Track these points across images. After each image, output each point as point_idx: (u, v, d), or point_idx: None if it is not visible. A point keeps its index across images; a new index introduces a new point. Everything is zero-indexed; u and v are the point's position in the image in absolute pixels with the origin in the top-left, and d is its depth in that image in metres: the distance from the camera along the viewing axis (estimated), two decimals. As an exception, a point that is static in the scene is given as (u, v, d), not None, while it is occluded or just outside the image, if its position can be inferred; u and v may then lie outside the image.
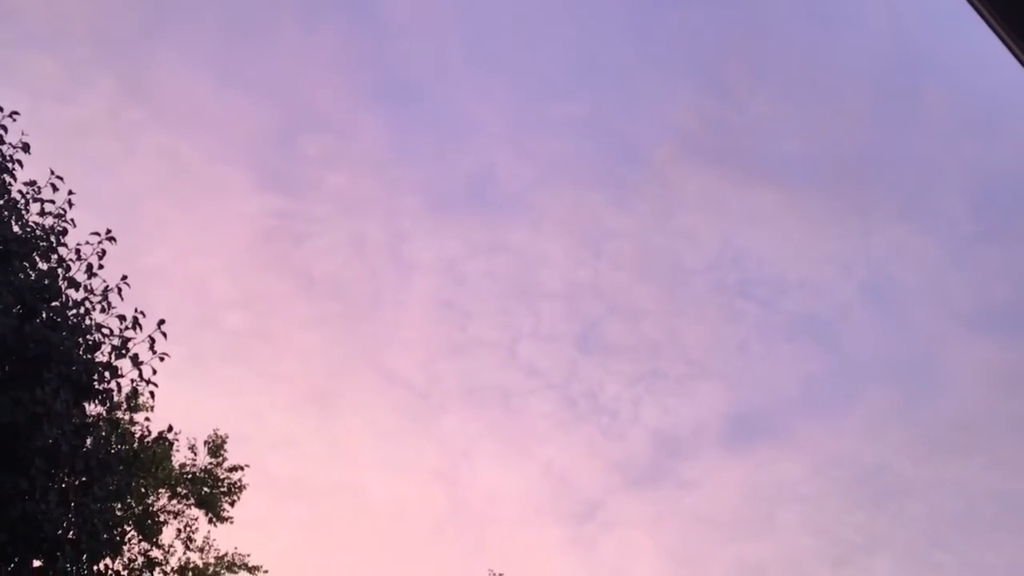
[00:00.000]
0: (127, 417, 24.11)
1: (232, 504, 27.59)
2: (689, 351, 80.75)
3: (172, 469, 26.43)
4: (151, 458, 21.83)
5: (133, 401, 24.69)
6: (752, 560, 67.92)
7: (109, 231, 12.80)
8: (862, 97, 78.14)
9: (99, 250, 12.72)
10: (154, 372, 11.97)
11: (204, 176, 67.49)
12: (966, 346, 72.68)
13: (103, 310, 12.23)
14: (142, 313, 12.43)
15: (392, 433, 75.12)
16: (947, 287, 75.45)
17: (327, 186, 78.98)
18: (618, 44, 77.32)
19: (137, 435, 24.43)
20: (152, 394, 11.83)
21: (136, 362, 11.93)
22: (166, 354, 12.07)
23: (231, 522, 27.63)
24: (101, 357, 11.91)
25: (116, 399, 11.88)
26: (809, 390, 77.35)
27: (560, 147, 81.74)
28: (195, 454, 27.25)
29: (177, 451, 27.06)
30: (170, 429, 12.57)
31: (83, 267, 12.51)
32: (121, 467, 11.52)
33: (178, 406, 28.21)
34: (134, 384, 11.92)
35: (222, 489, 27.30)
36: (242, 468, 27.73)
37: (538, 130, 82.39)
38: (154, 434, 24.50)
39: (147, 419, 13.55)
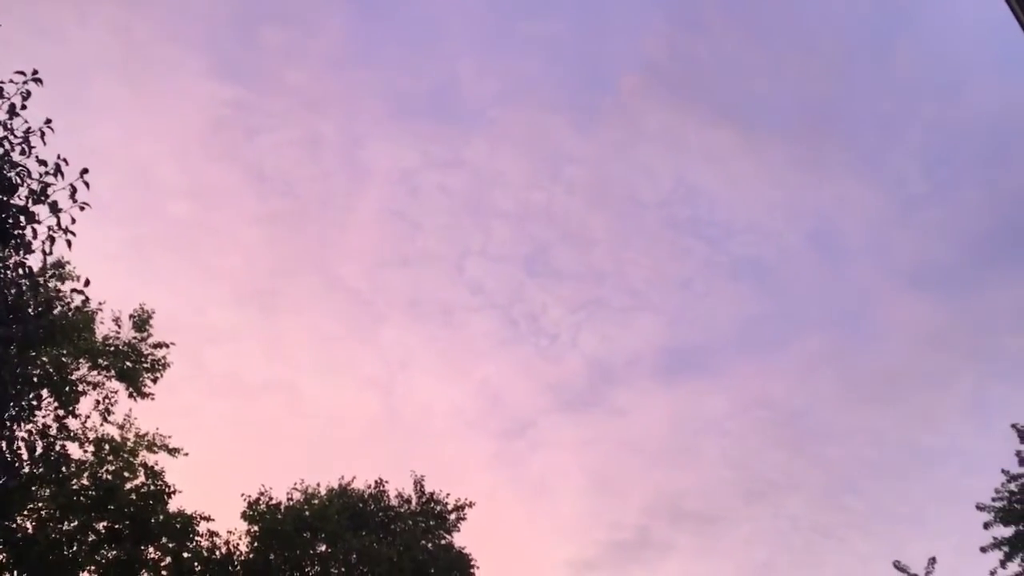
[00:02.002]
0: (53, 285, 23.52)
1: (155, 381, 27.31)
2: (634, 283, 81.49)
3: (94, 341, 25.95)
4: (72, 323, 21.37)
5: (58, 270, 24.05)
6: (672, 489, 69.99)
7: (36, 72, 12.11)
8: (834, 49, 77.80)
9: (23, 90, 12.06)
10: (73, 221, 11.51)
11: (157, 57, 64.67)
12: (902, 303, 74.60)
13: (23, 152, 11.65)
14: (65, 160, 11.87)
15: (331, 337, 74.71)
16: (891, 243, 76.94)
17: (285, 81, 76.27)
18: (596, -34, 75.55)
19: (60, 304, 23.91)
20: (69, 243, 11.36)
21: (55, 209, 11.43)
22: (87, 204, 11.58)
23: (152, 398, 27.40)
24: (18, 201, 11.38)
25: (32, 246, 11.40)
26: (745, 331, 78.91)
27: (527, 66, 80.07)
28: (119, 327, 26.76)
29: (101, 323, 26.57)
30: (87, 283, 12.07)
31: (4, 106, 11.86)
32: (33, 314, 11.11)
33: (116, 292, 27.63)
34: (51, 232, 11.44)
35: (145, 365, 26.94)
36: (167, 345, 27.38)
37: (506, 47, 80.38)
38: (76, 302, 24.02)
39: (75, 290, 12.88)
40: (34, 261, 11.36)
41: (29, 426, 21.40)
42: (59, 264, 23.42)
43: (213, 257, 69.41)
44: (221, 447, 48.47)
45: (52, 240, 11.46)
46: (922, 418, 66.09)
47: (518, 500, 64.44)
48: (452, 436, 65.24)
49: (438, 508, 32.48)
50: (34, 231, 11.47)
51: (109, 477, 26.97)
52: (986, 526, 27.87)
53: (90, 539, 27.13)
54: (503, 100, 78.87)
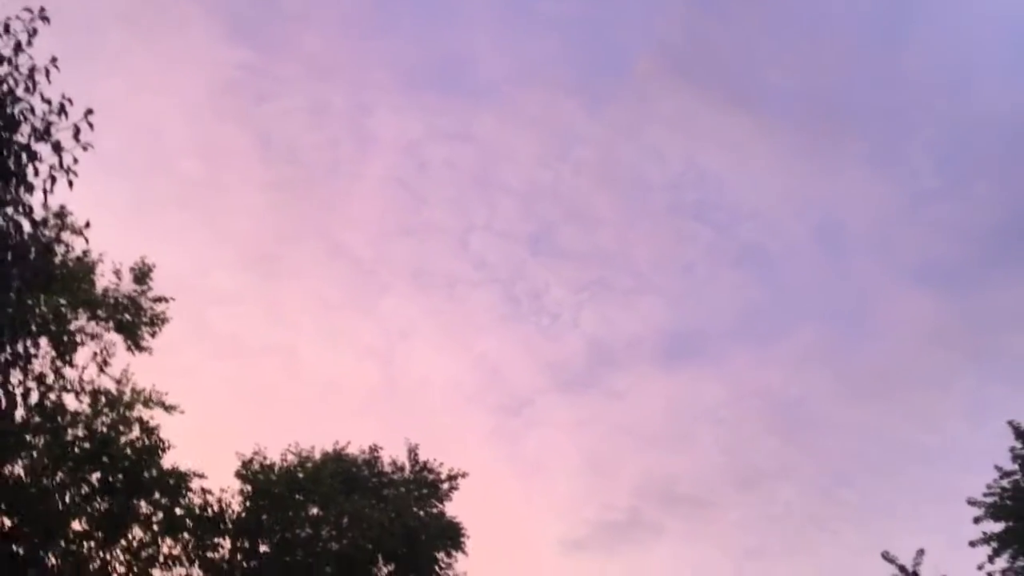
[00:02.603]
0: (54, 235, 23.41)
1: (153, 335, 27.28)
2: (637, 265, 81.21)
3: (93, 292, 25.88)
4: (72, 272, 21.30)
5: (60, 219, 23.93)
6: (664, 472, 70.07)
7: (43, 9, 11.94)
8: (850, 39, 77.10)
9: (30, 27, 11.88)
10: (76, 162, 11.37)
11: (172, 13, 64.24)
12: (904, 299, 74.32)
13: (27, 90, 11.49)
14: (69, 100, 11.70)
15: (333, 305, 74.67)
16: (897, 238, 76.53)
17: (298, 46, 75.76)
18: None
19: (61, 252, 23.81)
20: (71, 183, 11.24)
21: (57, 148, 11.29)
22: (90, 144, 11.44)
23: (150, 353, 27.39)
24: (20, 139, 11.24)
25: (33, 186, 11.28)
26: (746, 319, 78.76)
27: (542, 44, 79.45)
28: (119, 279, 26.68)
29: (101, 275, 26.49)
30: (87, 225, 11.97)
31: (10, 42, 11.68)
32: (33, 256, 11.02)
33: (119, 248, 27.52)
34: (52, 172, 11.31)
35: (144, 319, 26.89)
36: (167, 300, 27.32)
37: (521, 23, 79.69)
38: (77, 250, 23.94)
39: (76, 231, 12.74)
40: (35, 204, 11.22)
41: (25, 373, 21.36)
42: (61, 213, 23.30)
43: (219, 218, 69.44)
44: (218, 408, 48.60)
45: (53, 180, 11.34)
46: (919, 415, 66.10)
47: (511, 476, 64.70)
48: (449, 409, 65.39)
49: (431, 477, 32.55)
50: (35, 170, 11.34)
51: (104, 430, 26.98)
52: (976, 521, 27.95)
53: (83, 490, 27.19)
54: (515, 76, 78.45)
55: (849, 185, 74.50)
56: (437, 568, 31.14)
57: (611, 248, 78.36)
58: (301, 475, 30.64)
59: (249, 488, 30.40)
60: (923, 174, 73.79)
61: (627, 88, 75.51)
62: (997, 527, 27.72)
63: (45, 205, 11.07)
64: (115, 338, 26.69)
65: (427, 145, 74.77)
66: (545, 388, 74.33)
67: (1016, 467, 28.16)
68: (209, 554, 29.59)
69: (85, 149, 11.43)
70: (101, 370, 26.47)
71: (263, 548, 30.30)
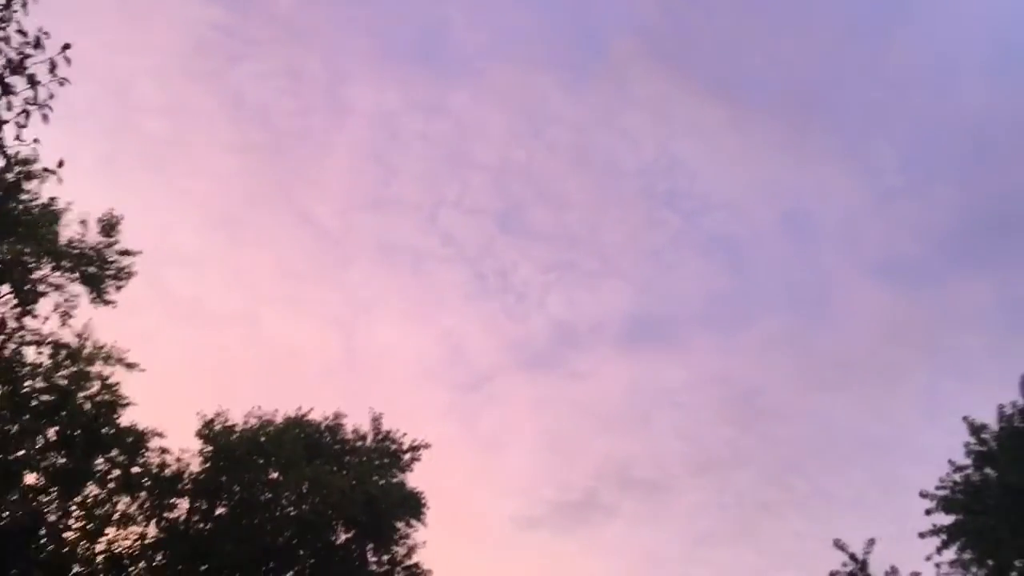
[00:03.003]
0: (22, 176, 22.83)
1: (118, 289, 26.79)
2: (605, 249, 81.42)
3: (58, 241, 25.31)
4: (37, 218, 20.77)
5: (26, 168, 23.36)
6: (622, 454, 70.62)
7: (21, -62, 11.55)
8: (830, 34, 77.59)
9: (7, -44, 11.47)
10: (51, 97, 11.02)
11: (148, -29, 62.68)
12: (865, 292, 75.34)
13: (2, 20, 11.11)
14: (46, 34, 11.33)
15: (298, 273, 73.94)
16: (862, 233, 77.51)
17: (273, 9, 74.59)
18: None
19: (26, 198, 23.25)
20: (45, 117, 10.90)
21: (33, 81, 10.94)
22: (67, 80, 11.09)
23: (114, 306, 26.89)
24: (-6, 70, 10.87)
25: (5, 119, 10.90)
26: (710, 307, 79.39)
27: (519, 22, 78.94)
28: (85, 230, 26.12)
29: (67, 225, 25.94)
30: (60, 164, 11.61)
31: (-14, -29, 11.27)
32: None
33: (82, 205, 26.88)
34: (27, 105, 10.95)
35: (109, 271, 26.37)
36: (133, 253, 26.80)
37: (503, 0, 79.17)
38: (43, 197, 23.37)
39: (47, 170, 12.24)
40: (8, 139, 10.85)
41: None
42: (26, 160, 22.65)
43: (185, 180, 68.26)
44: (176, 371, 48.03)
45: (27, 114, 10.98)
46: (874, 407, 67.22)
47: (469, 452, 64.84)
48: (410, 383, 65.27)
49: (393, 447, 32.42)
50: (8, 103, 10.97)
51: (64, 383, 26.53)
52: (928, 512, 28.34)
53: (39, 443, 26.74)
54: (492, 53, 77.89)
55: (818, 179, 75.34)
56: (396, 537, 31.08)
57: (580, 231, 78.56)
58: (263, 438, 30.35)
59: (209, 449, 30.09)
60: (890, 172, 74.81)
61: (604, 71, 75.46)
62: (947, 520, 28.12)
63: (18, 138, 10.66)
64: (79, 290, 26.19)
65: (401, 117, 74.20)
66: (507, 366, 74.50)
67: (969, 462, 28.59)
68: (166, 514, 29.32)
69: (61, 84, 11.07)
70: (63, 322, 25.98)
71: (221, 510, 30.05)
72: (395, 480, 31.89)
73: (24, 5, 11.33)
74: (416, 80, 75.05)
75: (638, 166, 77.56)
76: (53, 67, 11.10)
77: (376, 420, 32.88)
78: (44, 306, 25.66)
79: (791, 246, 77.30)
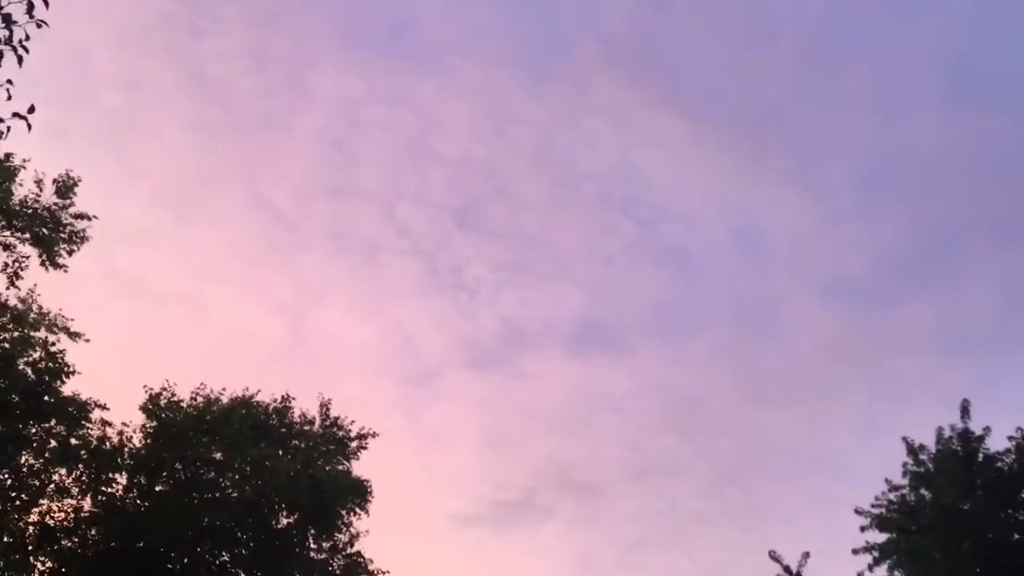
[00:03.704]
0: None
1: (70, 253, 26.11)
2: (559, 252, 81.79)
3: (11, 200, 24.61)
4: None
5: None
6: (562, 457, 70.92)
7: None
8: (790, 54, 78.96)
9: None
10: (27, 38, 10.69)
11: (106, -62, 61.30)
12: (811, 311, 76.78)
13: (-20, -44, 10.75)
14: (25, -26, 11.00)
15: (248, 256, 72.93)
16: (810, 252, 78.99)
17: (240, -16, 73.47)
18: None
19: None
20: (20, 60, 10.55)
21: (8, 21, 10.60)
22: (44, 22, 10.77)
23: (65, 270, 26.22)
24: (-32, 6, 10.50)
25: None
26: (658, 315, 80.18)
27: (487, 19, 78.99)
28: (40, 190, 25.41)
29: (20, 184, 25.22)
30: (31, 110, 11.21)
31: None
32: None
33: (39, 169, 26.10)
34: (1, 45, 10.61)
35: (63, 235, 25.70)
36: (89, 218, 26.16)
37: (474, -8, 79.07)
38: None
39: (16, 115, 11.75)
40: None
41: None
42: None
43: (138, 155, 66.88)
44: (121, 346, 47.07)
45: (0, 55, 10.62)
46: (812, 424, 68.56)
47: (411, 447, 64.61)
48: (356, 373, 64.85)
49: (340, 433, 32.08)
50: (-18, 42, 10.60)
51: (7, 347, 25.78)
52: (862, 529, 28.86)
53: (-27, 407, 25.96)
54: (458, 48, 77.84)
55: (771, 195, 76.63)
56: (339, 524, 30.75)
57: (535, 232, 78.94)
58: (209, 417, 29.82)
59: (153, 424, 29.49)
60: (841, 194, 76.46)
61: (568, 74, 75.91)
62: (881, 538, 28.66)
63: (-9, 76, 10.29)
64: (30, 251, 25.48)
65: (364, 106, 73.76)
66: (454, 362, 74.45)
67: (906, 482, 29.17)
68: (103, 488, 28.64)
69: (39, 26, 10.71)
70: (12, 283, 25.24)
71: (160, 487, 29.46)
72: (341, 467, 31.57)
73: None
74: (381, 70, 74.69)
75: (597, 171, 78.24)
76: (31, 7, 10.77)
77: (324, 406, 32.53)
78: (-8, 266, 24.95)
79: (741, 261, 78.63)
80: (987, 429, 27.80)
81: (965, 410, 28.33)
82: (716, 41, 77.71)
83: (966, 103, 72.79)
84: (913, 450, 28.98)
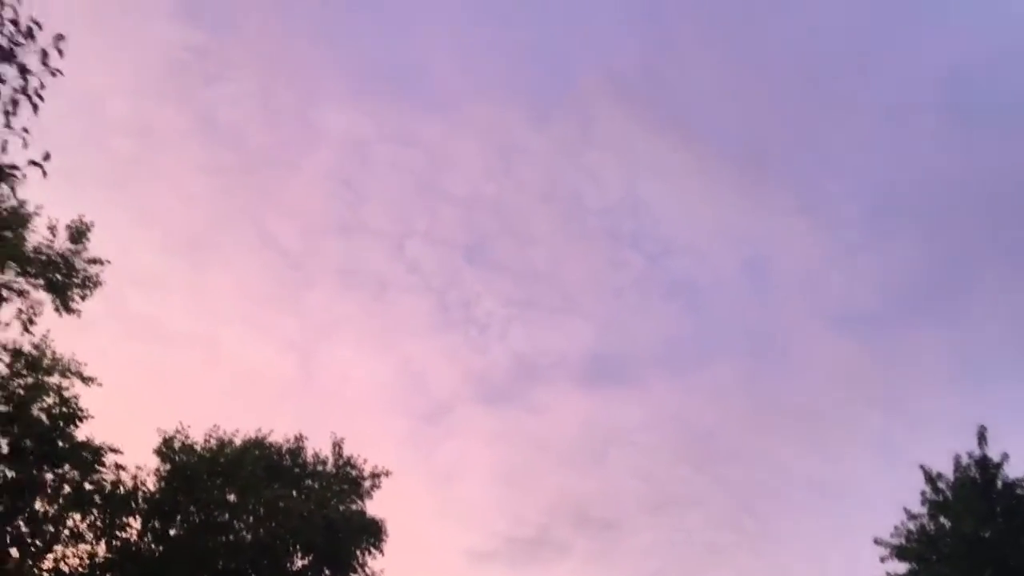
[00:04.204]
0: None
1: (83, 298, 26.32)
2: (569, 286, 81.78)
3: (24, 246, 24.85)
4: (4, 222, 20.39)
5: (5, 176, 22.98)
6: (577, 491, 70.30)
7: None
8: (798, 85, 79.41)
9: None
10: (42, 86, 10.95)
11: (123, -11, 62.50)
12: (822, 342, 76.28)
13: (-5, 8, 11.05)
14: (38, 24, 11.27)
15: (259, 295, 73.13)
16: (821, 284, 78.69)
17: (250, 32, 74.65)
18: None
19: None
20: (35, 107, 10.81)
21: (24, 70, 10.86)
22: (59, 71, 11.03)
23: (78, 315, 26.39)
24: (-17, 57, 10.78)
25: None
26: (669, 348, 79.86)
27: (495, 57, 79.78)
28: (54, 236, 25.68)
29: (33, 231, 25.51)
30: (47, 157, 11.44)
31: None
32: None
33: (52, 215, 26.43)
34: (15, 94, 10.87)
35: (76, 280, 25.92)
36: (102, 262, 26.38)
37: (478, 34, 79.82)
38: (17, 202, 23.02)
39: (32, 162, 11.91)
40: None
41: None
42: (12, 105, 22.16)
43: (150, 199, 67.53)
44: (133, 388, 47.13)
45: (16, 103, 10.88)
46: (827, 453, 67.80)
47: (425, 484, 64.09)
48: (367, 411, 64.72)
49: (354, 472, 31.99)
50: (-3, 91, 10.87)
51: (21, 393, 25.90)
52: (882, 560, 28.55)
53: (-11, 454, 26.04)
54: (467, 86, 78.64)
55: (781, 226, 76.54)
56: (354, 564, 30.55)
57: (545, 266, 79.14)
58: (222, 459, 29.81)
59: (167, 468, 29.49)
60: (850, 223, 76.40)
61: (574, 110, 76.54)
62: (901, 568, 28.37)
63: (7, 126, 10.55)
64: (43, 297, 25.67)
65: (373, 145, 74.44)
66: (466, 398, 74.33)
67: (924, 510, 28.89)
68: (118, 533, 28.57)
69: (53, 75, 11.01)
70: (26, 329, 25.40)
71: (175, 531, 29.37)
72: (355, 507, 31.44)
73: (18, -5, 11.28)
74: (391, 109, 75.47)
75: (604, 205, 78.55)
76: (45, 57, 11.04)
77: (337, 445, 32.48)
78: (6, 312, 25.17)
79: (751, 292, 78.43)
80: (1005, 456, 27.59)
81: (982, 437, 28.14)
82: (721, 72, 78.28)
83: (976, 129, 72.90)
84: (931, 478, 28.75)
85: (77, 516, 27.98)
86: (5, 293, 24.57)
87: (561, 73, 79.08)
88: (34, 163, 11.97)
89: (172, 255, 68.25)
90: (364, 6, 74.98)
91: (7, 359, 25.71)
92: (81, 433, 27.68)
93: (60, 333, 27.46)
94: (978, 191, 72.28)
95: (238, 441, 31.21)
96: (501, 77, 79.44)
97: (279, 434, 32.11)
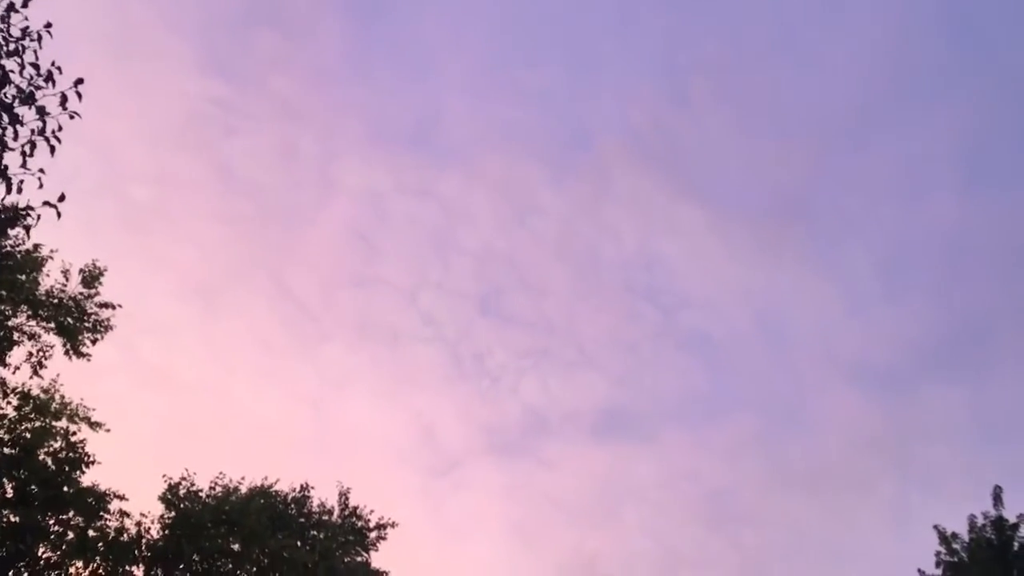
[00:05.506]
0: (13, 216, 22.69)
1: (94, 342, 26.38)
2: (583, 340, 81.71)
3: (37, 290, 25.00)
4: (17, 265, 20.54)
5: (20, 218, 23.26)
6: (588, 549, 69.27)
7: (43, -24, 11.83)
8: (809, 143, 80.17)
9: (26, -7, 11.72)
10: (60, 128, 11.11)
11: (148, 40, 63.92)
12: (838, 397, 75.75)
13: (17, 52, 11.28)
14: (58, 68, 11.50)
15: (273, 347, 73.29)
16: (836, 338, 78.42)
17: (271, 86, 75.96)
18: (598, 28, 76.99)
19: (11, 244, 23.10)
20: (52, 149, 10.96)
21: (42, 112, 11.04)
22: (77, 113, 11.21)
23: (88, 359, 26.43)
24: (3, 98, 10.98)
25: (10, 146, 10.97)
26: (683, 403, 79.41)
27: (511, 112, 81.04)
28: (67, 280, 25.85)
29: (47, 275, 25.70)
30: (62, 198, 11.54)
31: (3, 3, 11.51)
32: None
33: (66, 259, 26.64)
34: (33, 136, 11.04)
35: (87, 324, 26.00)
36: (114, 307, 26.49)
37: (494, 89, 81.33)
38: (32, 244, 23.22)
39: (47, 203, 12.04)
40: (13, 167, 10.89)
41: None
42: (31, 147, 22.39)
43: (166, 247, 68.19)
44: (142, 436, 47.05)
45: (33, 145, 11.04)
46: (842, 514, 66.77)
47: (434, 538, 63.39)
48: (378, 463, 64.28)
49: (360, 523, 31.63)
50: (15, 133, 11.04)
51: (28, 437, 25.84)
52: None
53: (-7, 498, 25.89)
54: (482, 141, 79.69)
55: (794, 281, 76.63)
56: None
57: (559, 319, 79.12)
58: (227, 508, 29.53)
59: (171, 515, 29.22)
60: (864, 279, 76.34)
61: (591, 165, 77.36)
62: (921, 629, 27.85)
63: (23, 166, 10.70)
64: (54, 340, 25.76)
65: (389, 197, 75.18)
66: (478, 451, 73.79)
67: (939, 572, 28.44)
68: (120, 581, 28.24)
69: (72, 118, 11.18)
70: (35, 372, 25.45)
71: (177, 580, 29.02)
72: (360, 558, 31.04)
73: (39, 39, 11.53)
74: (406, 163, 76.52)
75: (619, 260, 78.92)
76: (64, 100, 11.23)
77: (343, 495, 32.18)
78: (16, 355, 25.24)
79: (765, 348, 78.17)
80: (1021, 516, 27.17)
81: (998, 497, 27.75)
82: (734, 130, 79.25)
83: (988, 183, 73.22)
84: (946, 539, 28.33)
85: (80, 563, 27.69)
86: (16, 336, 24.69)
87: (577, 130, 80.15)
88: (48, 204, 12.09)
89: (186, 303, 68.77)
90: (383, 63, 76.46)
91: (15, 402, 25.70)
92: (87, 478, 27.59)
93: (71, 378, 27.60)
94: (990, 244, 72.32)
95: (244, 489, 30.96)
96: (517, 132, 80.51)
97: (285, 483, 31.91)
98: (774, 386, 78.16)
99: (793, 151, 78.17)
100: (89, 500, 27.45)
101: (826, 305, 76.91)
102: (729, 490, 73.63)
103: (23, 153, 10.92)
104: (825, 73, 76.71)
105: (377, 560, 31.83)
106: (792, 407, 76.71)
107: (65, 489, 26.81)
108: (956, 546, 28.38)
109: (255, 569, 28.97)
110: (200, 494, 29.89)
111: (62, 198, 12.09)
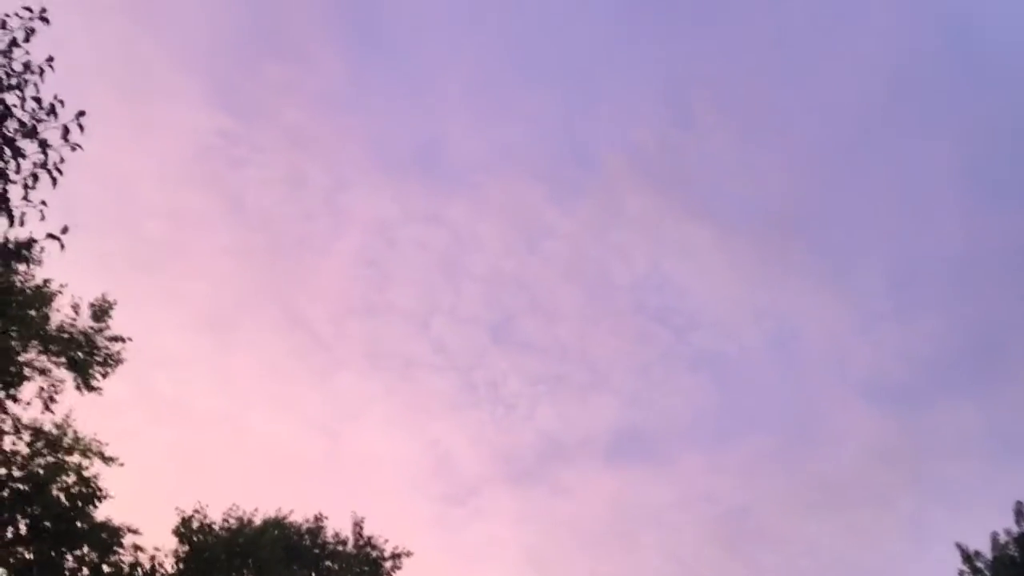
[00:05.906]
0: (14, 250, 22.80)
1: (105, 375, 26.37)
2: (596, 363, 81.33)
3: (47, 325, 25.04)
4: (28, 300, 20.59)
5: (24, 251, 23.38)
6: (604, 573, 68.71)
7: (44, 10, 11.91)
8: (817, 160, 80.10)
9: (28, 27, 11.81)
10: (62, 160, 11.15)
11: (156, 75, 64.65)
12: (853, 414, 75.04)
13: (19, 86, 11.35)
14: (61, 101, 11.56)
15: (286, 377, 73.16)
16: (848, 355, 77.77)
17: (278, 118, 76.63)
18: (600, 49, 77.60)
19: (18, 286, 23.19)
20: (54, 181, 10.98)
21: (45, 146, 11.08)
22: (79, 145, 11.25)
23: (100, 393, 26.41)
24: (6, 132, 11.04)
25: (12, 179, 11.01)
26: (698, 424, 78.73)
27: (516, 136, 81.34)
28: (76, 314, 25.88)
29: (58, 310, 25.75)
30: (65, 231, 11.54)
31: (5, 38, 11.59)
32: None
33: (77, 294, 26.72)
34: (35, 169, 11.07)
35: (98, 357, 26.01)
36: (124, 340, 26.50)
37: (499, 114, 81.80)
38: (39, 278, 23.30)
39: (50, 235, 11.95)
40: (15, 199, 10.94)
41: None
42: (33, 179, 22.49)
43: (178, 281, 68.48)
44: (156, 471, 46.86)
45: (36, 177, 11.08)
46: (861, 533, 65.85)
47: (450, 566, 62.80)
48: (393, 493, 63.81)
49: (375, 553, 31.40)
50: (18, 166, 11.08)
51: (40, 472, 25.78)
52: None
53: (8, 536, 25.78)
54: (489, 165, 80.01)
55: (805, 299, 76.26)
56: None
57: (571, 343, 78.82)
58: (241, 539, 29.35)
59: (185, 549, 29.05)
60: (876, 296, 75.90)
61: (598, 187, 77.44)
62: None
63: (25, 198, 10.74)
64: (65, 375, 25.75)
65: (398, 225, 75.42)
66: (493, 478, 73.23)
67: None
68: (134, 616, 28.03)
69: (74, 150, 11.22)
70: (46, 407, 25.42)
71: (191, 614, 28.79)
72: (374, 589, 30.79)
73: (42, 73, 11.60)
74: (414, 190, 76.81)
75: (630, 281, 78.69)
76: (66, 133, 11.27)
77: (357, 524, 32.01)
78: (27, 390, 25.23)
79: (778, 366, 77.67)
80: (1045, 532, 26.75)
81: (1020, 513, 27.37)
82: (742, 151, 79.25)
83: (996, 198, 72.86)
84: (968, 557, 27.94)
85: (93, 600, 27.51)
86: (27, 371, 24.71)
87: (582, 151, 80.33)
88: (52, 236, 12.11)
89: (199, 335, 68.90)
90: (390, 91, 77.04)
91: (28, 438, 25.66)
92: (100, 513, 27.46)
93: (84, 413, 27.47)
94: (1002, 260, 71.81)
95: (258, 521, 30.80)
96: (523, 155, 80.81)
97: (299, 513, 31.76)
98: (788, 404, 77.61)
99: (799, 168, 78.21)
100: (102, 535, 27.28)
101: (837, 322, 76.48)
102: (746, 509, 72.80)
103: (25, 186, 10.96)
104: (830, 89, 76.90)
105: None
106: (806, 425, 76.07)
107: (78, 524, 26.66)
108: (979, 564, 27.97)
109: (269, 601, 28.76)
110: (213, 527, 29.74)
111: (65, 230, 12.10)
